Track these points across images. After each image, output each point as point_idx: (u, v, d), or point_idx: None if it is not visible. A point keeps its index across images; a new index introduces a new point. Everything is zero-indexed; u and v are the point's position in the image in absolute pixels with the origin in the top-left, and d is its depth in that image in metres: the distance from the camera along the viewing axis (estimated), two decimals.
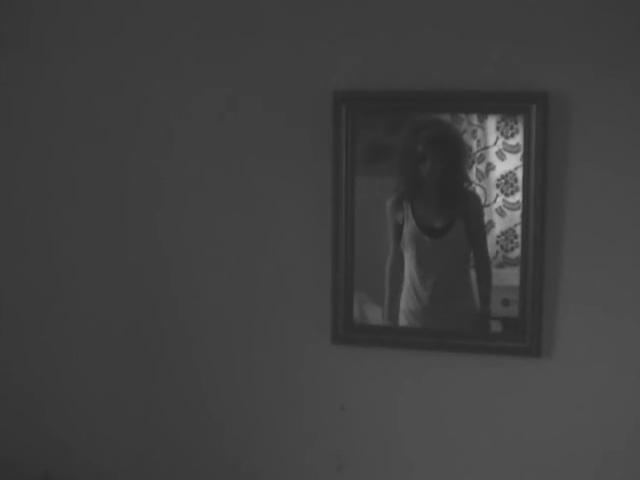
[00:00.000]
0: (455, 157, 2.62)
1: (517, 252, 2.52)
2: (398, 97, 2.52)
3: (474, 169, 2.60)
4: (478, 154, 2.60)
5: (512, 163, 2.54)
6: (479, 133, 2.60)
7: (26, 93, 2.86)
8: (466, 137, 2.59)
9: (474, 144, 2.59)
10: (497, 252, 2.59)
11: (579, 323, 2.47)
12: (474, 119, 2.57)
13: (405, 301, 2.67)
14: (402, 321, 2.67)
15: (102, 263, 2.86)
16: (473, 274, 2.63)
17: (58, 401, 2.96)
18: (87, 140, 2.81)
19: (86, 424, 2.94)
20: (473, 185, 2.60)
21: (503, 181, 2.57)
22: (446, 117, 2.59)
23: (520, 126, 2.48)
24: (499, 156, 2.59)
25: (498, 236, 2.59)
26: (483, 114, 2.54)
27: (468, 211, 2.64)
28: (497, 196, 2.59)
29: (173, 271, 2.78)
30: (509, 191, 2.55)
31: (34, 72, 2.85)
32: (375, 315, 2.67)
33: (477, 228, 2.61)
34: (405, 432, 2.64)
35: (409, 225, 2.65)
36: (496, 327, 2.60)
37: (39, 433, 3.00)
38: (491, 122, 2.56)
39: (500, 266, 2.60)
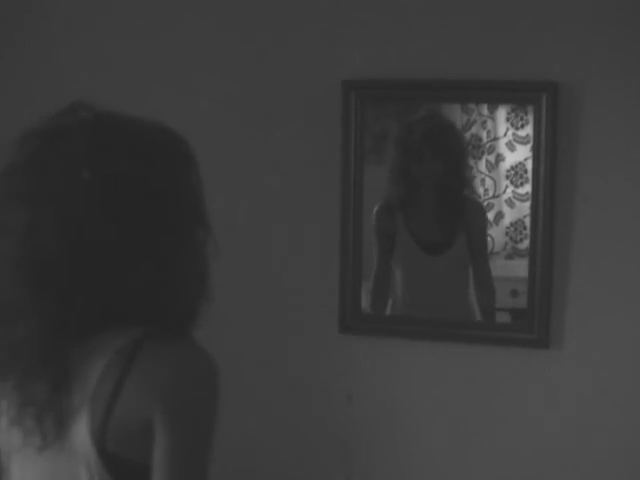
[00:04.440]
0: (455, 156, 2.54)
1: (526, 243, 2.51)
2: (407, 86, 2.52)
3: (484, 160, 2.60)
4: (488, 145, 2.60)
5: (522, 154, 2.54)
6: (489, 124, 2.60)
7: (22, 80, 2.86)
8: (476, 128, 2.58)
9: (484, 135, 2.59)
10: (506, 243, 2.59)
11: (588, 314, 2.46)
12: (484, 110, 2.57)
13: None
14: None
15: None
16: (472, 295, 2.56)
17: None
18: None
19: None
20: (476, 194, 2.48)
21: (513, 172, 2.57)
22: (456, 108, 2.59)
23: (530, 117, 2.47)
24: (509, 147, 2.59)
25: (507, 227, 2.59)
26: (493, 104, 2.54)
27: (471, 224, 2.52)
28: (507, 187, 2.59)
29: None
30: (519, 182, 2.55)
31: (29, 59, 2.84)
32: None
33: (479, 244, 2.51)
34: (412, 422, 2.63)
35: (402, 238, 2.51)
36: (504, 318, 2.60)
37: None
38: (501, 113, 2.56)
39: (509, 257, 2.59)
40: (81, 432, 1.28)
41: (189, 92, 2.72)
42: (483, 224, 2.49)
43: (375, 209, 2.51)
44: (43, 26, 2.84)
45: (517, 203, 2.56)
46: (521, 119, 2.53)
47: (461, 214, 2.52)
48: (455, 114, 2.60)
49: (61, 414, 1.29)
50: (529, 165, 2.49)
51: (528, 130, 2.50)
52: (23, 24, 2.86)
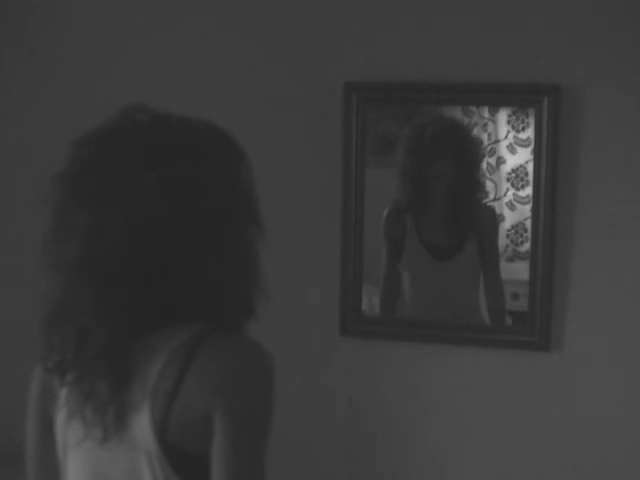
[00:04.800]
0: (467, 159, 2.52)
1: (527, 246, 2.51)
2: (409, 89, 2.52)
3: (485, 163, 2.59)
4: (489, 148, 2.60)
5: (523, 157, 2.54)
6: (490, 126, 2.59)
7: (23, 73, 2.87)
8: (477, 131, 2.58)
9: (485, 137, 2.59)
10: (507, 246, 2.58)
11: (589, 317, 2.46)
12: (485, 112, 2.56)
13: None
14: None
15: None
16: (481, 299, 2.55)
17: None
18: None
19: None
20: (488, 197, 2.44)
21: (514, 175, 2.56)
22: (457, 110, 2.59)
23: (531, 120, 2.47)
24: (510, 150, 2.58)
25: (508, 230, 2.59)
26: (494, 107, 2.54)
27: (482, 229, 2.49)
28: (507, 190, 2.59)
29: None
30: (519, 185, 2.55)
31: (31, 59, 2.85)
32: None
33: (491, 251, 2.48)
34: (412, 424, 2.63)
35: (410, 242, 2.48)
36: (505, 321, 2.59)
37: None
38: (502, 115, 2.55)
39: (510, 260, 2.59)
40: (143, 425, 1.33)
41: (189, 93, 2.71)
42: (495, 230, 2.46)
43: (385, 213, 2.49)
44: (46, 26, 2.84)
45: (518, 206, 2.55)
46: (522, 122, 2.52)
47: (472, 219, 2.49)
48: (456, 116, 2.59)
49: (122, 407, 1.34)
50: (530, 168, 2.48)
51: (529, 133, 2.50)
52: (26, 24, 2.87)
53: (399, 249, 2.49)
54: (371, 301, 2.66)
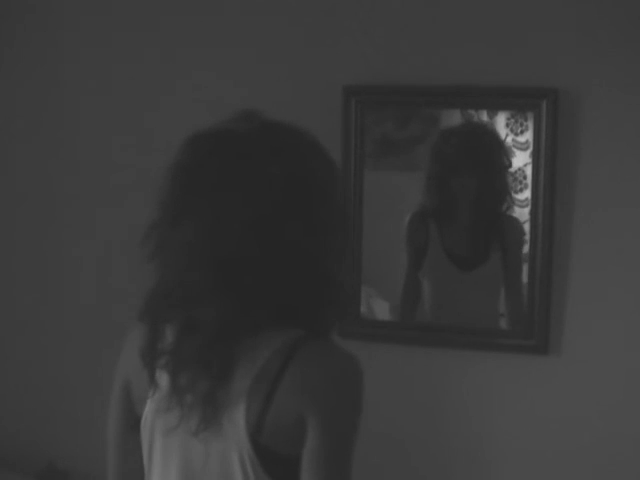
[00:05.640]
0: (493, 169, 2.48)
1: (525, 249, 2.51)
2: (407, 92, 2.52)
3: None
4: None
5: (521, 160, 2.53)
6: None
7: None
8: None
9: None
10: None
11: (587, 320, 2.46)
12: (484, 115, 2.56)
13: None
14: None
15: (105, 254, 2.85)
16: (500, 307, 2.52)
17: (62, 391, 2.96)
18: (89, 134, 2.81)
19: (90, 414, 2.93)
20: (514, 208, 2.39)
21: (512, 178, 2.56)
22: (455, 113, 2.58)
23: (530, 123, 2.47)
24: None
25: None
26: (493, 110, 2.53)
27: (507, 241, 2.45)
28: None
29: None
30: (518, 188, 2.54)
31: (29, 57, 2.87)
32: (382, 310, 2.66)
33: (515, 262, 2.44)
34: (411, 429, 2.63)
35: (434, 250, 2.45)
36: (503, 324, 2.59)
37: (43, 423, 2.99)
38: (501, 119, 2.55)
39: None
40: (238, 423, 1.36)
41: (188, 95, 2.71)
42: (520, 242, 2.41)
43: (407, 218, 2.46)
44: (43, 23, 2.85)
45: (516, 209, 2.54)
46: (521, 125, 2.52)
47: (497, 230, 2.45)
48: (454, 120, 2.60)
49: (219, 401, 1.37)
50: (528, 171, 2.48)
51: (527, 136, 2.49)
52: (24, 21, 2.87)
53: (421, 256, 2.46)
54: (369, 303, 2.66)
